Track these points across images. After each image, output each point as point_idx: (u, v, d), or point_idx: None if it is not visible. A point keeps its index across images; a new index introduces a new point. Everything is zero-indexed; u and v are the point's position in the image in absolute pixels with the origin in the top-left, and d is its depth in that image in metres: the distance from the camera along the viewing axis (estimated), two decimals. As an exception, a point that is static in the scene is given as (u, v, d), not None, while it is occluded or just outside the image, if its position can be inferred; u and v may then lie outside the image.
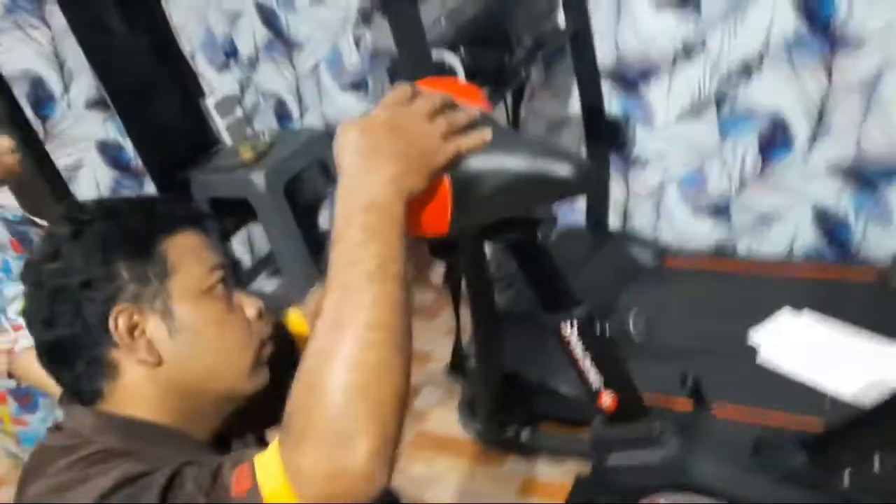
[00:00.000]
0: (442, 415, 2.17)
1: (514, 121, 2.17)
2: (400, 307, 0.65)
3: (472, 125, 0.84)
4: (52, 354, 0.77)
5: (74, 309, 0.75)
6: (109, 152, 2.45)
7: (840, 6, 1.75)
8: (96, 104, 2.39)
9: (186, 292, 0.78)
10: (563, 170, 0.91)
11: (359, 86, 2.55)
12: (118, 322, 0.75)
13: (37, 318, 0.76)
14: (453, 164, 0.85)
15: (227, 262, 0.89)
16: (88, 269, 0.75)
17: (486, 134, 0.84)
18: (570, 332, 1.13)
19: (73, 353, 0.76)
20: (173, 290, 0.77)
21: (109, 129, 2.42)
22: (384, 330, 0.63)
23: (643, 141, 2.17)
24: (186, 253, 0.80)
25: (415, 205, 0.93)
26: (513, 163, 0.92)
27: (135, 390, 0.77)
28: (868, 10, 1.72)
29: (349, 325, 0.63)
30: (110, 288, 0.75)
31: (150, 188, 2.54)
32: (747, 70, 1.93)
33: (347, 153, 0.71)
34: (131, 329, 0.75)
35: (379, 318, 0.64)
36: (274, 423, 0.71)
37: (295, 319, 1.00)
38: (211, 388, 0.79)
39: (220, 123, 2.68)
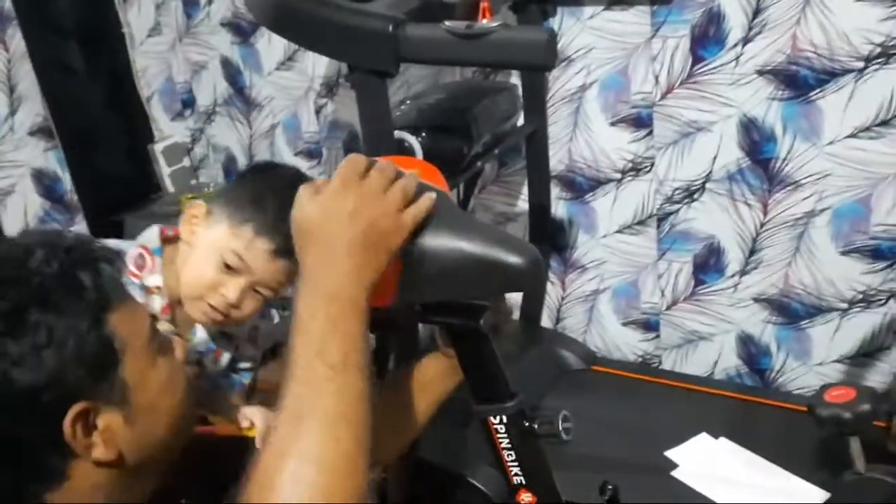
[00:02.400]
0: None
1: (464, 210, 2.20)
2: (362, 399, 0.64)
3: (420, 189, 0.84)
4: None
5: (15, 418, 0.65)
6: (45, 182, 2.37)
7: (781, 149, 1.86)
8: (40, 132, 2.33)
9: (138, 369, 0.71)
10: (513, 258, 0.92)
11: (312, 153, 2.56)
12: (75, 429, 0.65)
13: None
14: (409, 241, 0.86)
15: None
16: (33, 372, 0.64)
17: (432, 195, 0.84)
18: (499, 425, 1.11)
19: (10, 462, 0.65)
20: (126, 373, 0.70)
21: (50, 158, 2.35)
22: (346, 423, 0.62)
23: (584, 247, 2.22)
24: (128, 322, 0.72)
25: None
26: (466, 244, 0.92)
27: (82, 490, 0.68)
28: (805, 157, 1.83)
29: (311, 418, 0.61)
30: (62, 390, 0.65)
31: (80, 225, 2.46)
32: (690, 194, 2.01)
33: (308, 243, 0.72)
34: (87, 431, 0.67)
35: (342, 411, 0.62)
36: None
37: None
38: (161, 453, 0.74)
39: (165, 170, 2.65)
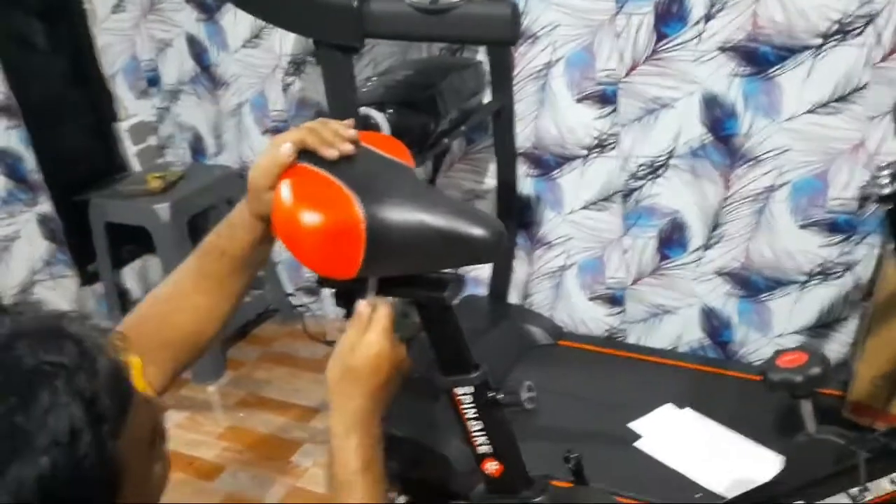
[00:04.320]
0: (319, 473, 2.11)
1: (431, 187, 2.21)
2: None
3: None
4: None
5: None
6: (7, 161, 2.33)
7: (742, 125, 1.89)
8: (2, 110, 2.29)
9: (134, 485, 0.65)
10: (477, 231, 0.94)
11: (280, 131, 2.53)
12: None
13: None
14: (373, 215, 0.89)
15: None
16: None
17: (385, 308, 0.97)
18: (464, 395, 1.14)
19: None
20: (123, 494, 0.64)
21: (12, 137, 2.31)
22: None
23: (550, 223, 2.25)
24: (135, 447, 0.65)
25: (328, 245, 0.94)
26: (429, 217, 0.94)
27: None
28: (765, 133, 1.87)
29: None
30: None
31: (44, 205, 2.43)
32: (654, 170, 2.04)
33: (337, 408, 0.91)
34: None
35: None
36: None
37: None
38: None
39: (131, 149, 2.62)
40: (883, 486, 0.99)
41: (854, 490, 1.02)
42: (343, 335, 0.95)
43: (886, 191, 0.90)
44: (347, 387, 0.92)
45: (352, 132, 0.96)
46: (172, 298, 0.98)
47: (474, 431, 1.17)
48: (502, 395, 1.13)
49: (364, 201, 0.93)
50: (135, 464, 0.65)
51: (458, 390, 1.14)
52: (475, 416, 1.15)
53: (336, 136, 0.94)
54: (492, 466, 1.19)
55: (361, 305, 0.96)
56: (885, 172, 0.90)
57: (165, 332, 0.96)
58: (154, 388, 0.92)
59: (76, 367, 0.61)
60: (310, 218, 0.92)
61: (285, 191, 0.93)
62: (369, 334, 0.93)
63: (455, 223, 0.94)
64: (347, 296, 1.13)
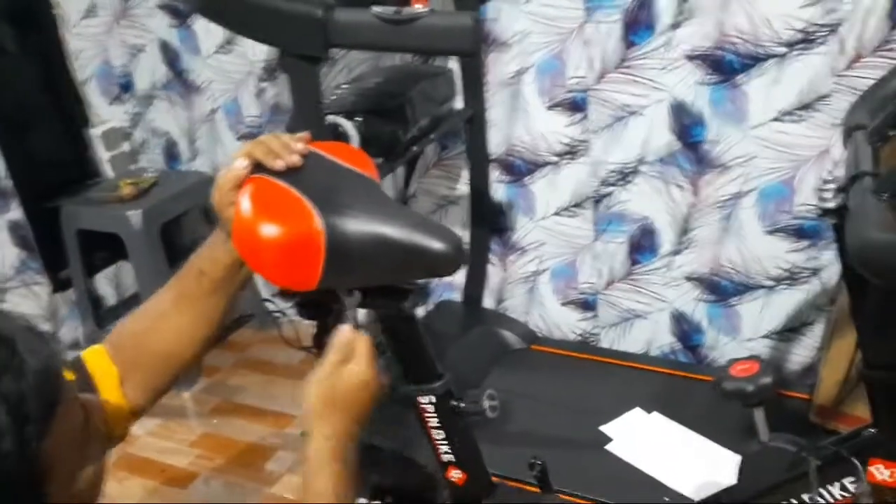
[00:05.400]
0: (292, 480, 2.11)
1: (404, 195, 2.22)
2: None
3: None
4: None
5: None
6: (-23, 168, 2.32)
7: (709, 132, 1.91)
8: (-29, 116, 2.28)
9: (63, 486, 0.67)
10: (435, 245, 0.95)
11: (255, 136, 2.53)
12: None
13: None
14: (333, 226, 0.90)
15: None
16: None
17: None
18: (427, 404, 1.15)
19: None
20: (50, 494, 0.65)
21: (-19, 143, 2.30)
22: None
23: (523, 229, 2.26)
24: (60, 436, 0.66)
25: (288, 257, 0.94)
26: (389, 229, 0.95)
27: None
28: (732, 140, 1.89)
29: None
30: None
31: (15, 212, 2.42)
32: (624, 177, 2.06)
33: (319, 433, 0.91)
34: None
35: None
36: None
37: (93, 359, 0.92)
38: None
39: (104, 155, 2.61)
40: (834, 492, 1.01)
41: (806, 496, 1.04)
42: (323, 361, 0.94)
43: (830, 205, 0.92)
44: (330, 415, 0.91)
45: (300, 145, 0.97)
46: (151, 316, 0.99)
47: (437, 440, 1.18)
48: (464, 405, 1.14)
49: (324, 213, 0.94)
50: (63, 464, 0.66)
51: (422, 399, 1.15)
52: (438, 424, 1.16)
53: (284, 148, 0.95)
54: (456, 474, 1.20)
55: (343, 334, 0.96)
56: (829, 186, 0.92)
57: (143, 349, 0.96)
58: (130, 403, 0.92)
59: (3, 368, 0.62)
60: (269, 230, 0.93)
61: (245, 203, 0.94)
62: (356, 364, 0.94)
63: (414, 236, 0.95)
64: (311, 306, 1.14)
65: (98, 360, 0.92)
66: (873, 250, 0.82)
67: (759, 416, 1.09)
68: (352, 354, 0.94)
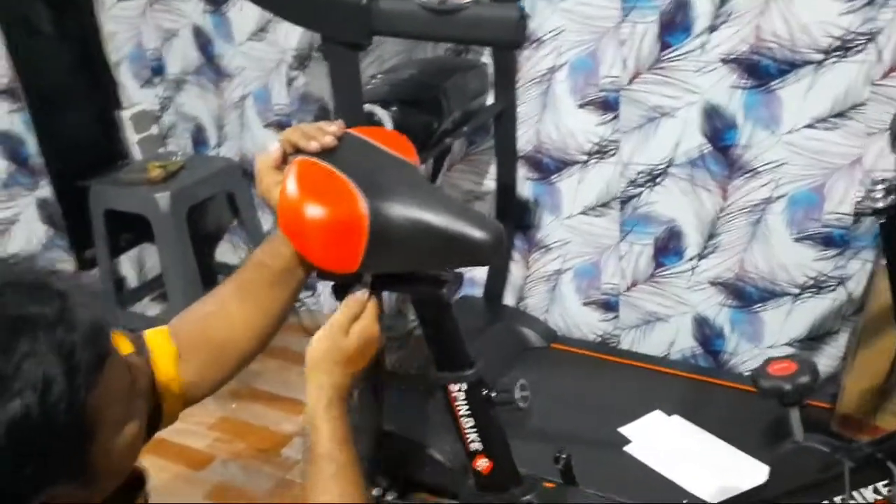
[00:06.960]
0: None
1: (431, 186, 2.22)
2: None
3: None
4: None
5: None
6: (9, 144, 2.34)
7: (741, 136, 1.91)
8: (5, 93, 2.30)
9: (106, 443, 0.68)
10: (478, 233, 0.95)
11: (283, 125, 2.55)
12: None
13: None
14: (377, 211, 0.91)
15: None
16: None
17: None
18: (459, 392, 1.15)
19: None
20: (94, 451, 0.67)
21: (15, 120, 2.32)
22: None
23: (548, 227, 2.26)
24: (105, 393, 0.67)
25: (331, 239, 0.95)
26: (432, 216, 0.95)
27: None
28: (764, 145, 1.89)
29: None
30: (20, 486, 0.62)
31: (44, 190, 2.44)
32: (653, 178, 2.06)
33: (322, 391, 0.94)
34: None
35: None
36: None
37: (154, 336, 0.94)
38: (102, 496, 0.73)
39: (132, 137, 2.63)
40: (867, 495, 1.01)
41: (838, 499, 1.03)
42: (333, 316, 0.97)
43: (880, 204, 0.92)
44: (332, 364, 0.94)
45: (333, 127, 0.99)
46: (213, 304, 1.01)
47: (467, 428, 1.18)
48: (496, 393, 1.15)
49: (368, 197, 0.95)
50: (107, 417, 0.68)
51: (453, 387, 1.16)
52: (468, 412, 1.16)
53: (318, 131, 0.97)
54: (482, 463, 1.21)
55: (358, 293, 0.98)
56: (880, 186, 0.92)
57: (202, 334, 0.98)
58: (183, 380, 0.93)
59: (57, 319, 0.64)
60: (314, 211, 0.93)
61: (291, 184, 0.94)
62: (365, 320, 0.96)
63: (457, 224, 0.95)
64: (345, 290, 1.14)
65: (159, 337, 0.94)
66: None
67: (794, 415, 1.09)
68: (360, 313, 0.97)
